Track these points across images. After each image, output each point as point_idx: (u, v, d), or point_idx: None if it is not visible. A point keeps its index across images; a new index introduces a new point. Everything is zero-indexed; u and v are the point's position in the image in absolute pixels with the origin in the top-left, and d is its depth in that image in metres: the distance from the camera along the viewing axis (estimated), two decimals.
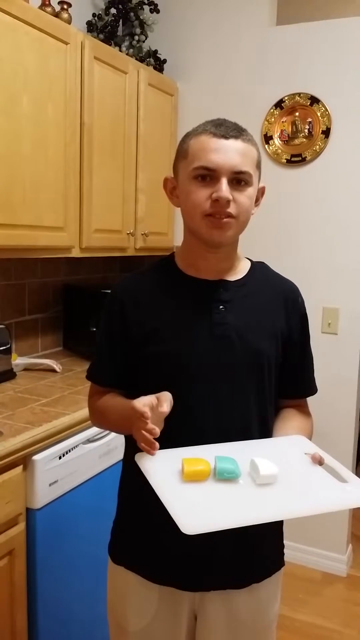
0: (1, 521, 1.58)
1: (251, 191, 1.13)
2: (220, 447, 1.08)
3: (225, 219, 1.11)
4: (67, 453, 1.79)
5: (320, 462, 1.08)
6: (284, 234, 2.80)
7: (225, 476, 1.00)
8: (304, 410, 1.34)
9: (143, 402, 1.01)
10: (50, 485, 1.72)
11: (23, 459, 1.65)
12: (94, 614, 1.88)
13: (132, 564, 1.23)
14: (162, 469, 1.02)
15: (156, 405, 1.01)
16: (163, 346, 1.16)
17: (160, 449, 1.05)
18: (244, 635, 1.24)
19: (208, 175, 1.10)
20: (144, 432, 1.00)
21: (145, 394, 1.15)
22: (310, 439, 1.23)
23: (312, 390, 1.35)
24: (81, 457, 1.86)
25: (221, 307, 1.18)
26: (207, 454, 1.03)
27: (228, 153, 1.09)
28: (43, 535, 1.71)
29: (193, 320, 1.17)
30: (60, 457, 1.76)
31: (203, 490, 0.98)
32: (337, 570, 2.79)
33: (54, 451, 1.74)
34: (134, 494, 1.22)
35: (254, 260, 1.31)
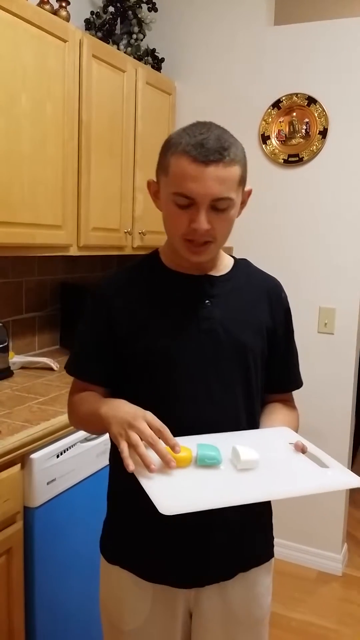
0: None
1: (232, 213, 1.12)
2: (204, 438, 1.10)
3: (203, 245, 1.12)
4: (64, 452, 1.79)
5: (303, 450, 1.10)
6: (281, 233, 2.80)
7: (207, 462, 1.02)
8: (290, 405, 1.35)
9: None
10: (48, 483, 1.72)
11: (21, 458, 1.65)
12: (91, 612, 1.88)
13: (125, 562, 1.23)
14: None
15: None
16: (150, 341, 1.16)
17: None
18: (238, 629, 1.25)
19: (187, 202, 1.08)
20: (160, 449, 0.99)
21: (133, 390, 1.16)
22: (296, 432, 1.25)
23: (297, 384, 1.36)
24: (79, 455, 1.85)
25: (207, 301, 1.18)
26: (191, 442, 1.05)
27: (207, 182, 1.05)
28: (41, 534, 1.71)
29: (180, 315, 1.18)
30: (58, 456, 1.76)
31: (183, 475, 1.00)
32: (332, 569, 2.80)
33: (51, 450, 1.74)
34: (123, 492, 1.22)
35: (237, 257, 1.31)
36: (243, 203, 1.19)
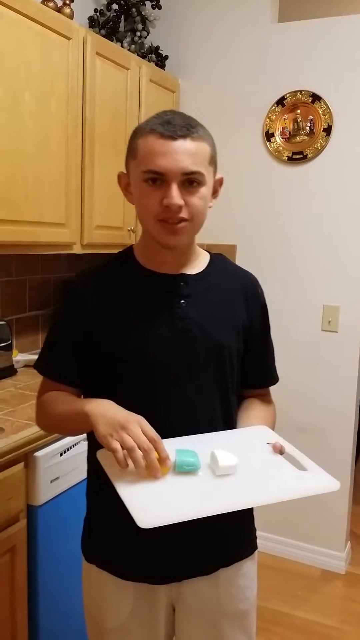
0: (2, 518, 1.58)
1: (204, 191, 1.10)
2: (183, 440, 1.09)
3: (179, 224, 1.09)
4: (68, 450, 1.79)
5: (281, 451, 1.10)
6: (285, 231, 2.80)
7: (185, 469, 1.01)
8: (266, 399, 1.34)
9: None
10: (51, 482, 1.72)
11: (24, 456, 1.65)
12: None
13: (104, 562, 1.23)
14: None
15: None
16: (124, 342, 1.15)
17: None
18: (224, 622, 1.24)
19: (158, 179, 1.07)
20: (151, 459, 0.98)
21: (107, 390, 1.14)
22: (273, 426, 1.25)
23: (273, 379, 1.35)
24: (82, 454, 1.84)
25: (182, 301, 1.17)
26: (170, 447, 1.03)
27: (176, 155, 1.05)
28: (44, 532, 1.72)
29: (154, 316, 1.16)
30: (61, 454, 1.76)
31: (162, 483, 0.99)
32: (335, 567, 2.80)
33: (55, 448, 1.74)
34: (101, 492, 1.18)
35: (212, 252, 1.29)
36: (215, 192, 1.18)
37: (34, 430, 1.67)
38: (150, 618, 1.22)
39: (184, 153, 1.05)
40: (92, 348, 1.17)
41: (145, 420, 1.02)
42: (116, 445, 0.98)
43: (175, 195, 1.06)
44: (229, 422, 1.22)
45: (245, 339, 1.24)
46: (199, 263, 1.23)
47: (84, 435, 1.85)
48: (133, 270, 1.21)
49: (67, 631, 1.86)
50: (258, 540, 1.33)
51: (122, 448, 0.98)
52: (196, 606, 1.22)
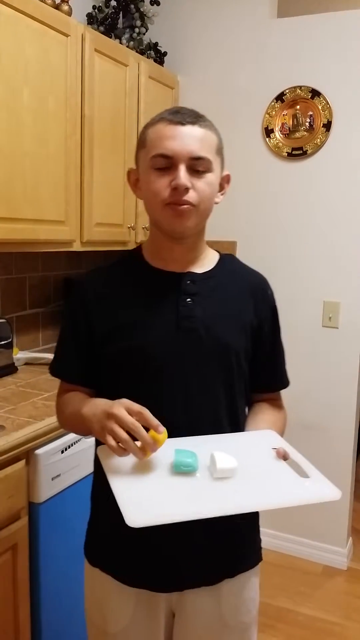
0: (4, 515, 1.58)
1: (211, 177, 1.11)
2: (185, 441, 1.07)
3: (185, 206, 1.08)
4: (69, 447, 1.79)
5: (284, 457, 1.06)
6: (285, 227, 2.79)
7: (182, 469, 0.99)
8: (277, 404, 1.32)
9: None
10: (52, 479, 1.72)
11: (25, 453, 1.65)
12: None
13: (106, 566, 1.22)
14: (122, 463, 1.00)
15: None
16: (129, 340, 1.14)
17: None
18: (225, 634, 1.22)
19: (166, 164, 1.08)
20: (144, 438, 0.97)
21: (113, 389, 1.13)
22: (282, 432, 1.22)
23: (284, 383, 1.33)
24: (83, 451, 1.86)
25: (188, 300, 1.15)
26: (170, 446, 1.02)
27: (184, 139, 1.07)
28: (46, 530, 1.72)
29: (159, 314, 1.15)
30: (62, 451, 1.76)
31: (157, 483, 0.97)
32: (337, 563, 2.80)
33: (56, 445, 1.74)
34: (103, 495, 1.16)
35: (222, 253, 1.29)
36: (222, 188, 1.18)
37: (35, 427, 1.67)
38: (150, 624, 1.20)
39: (191, 137, 1.07)
40: (97, 346, 1.17)
41: (126, 399, 1.01)
42: (109, 439, 0.98)
43: (183, 176, 1.06)
44: (235, 425, 1.19)
45: (253, 341, 1.21)
46: (207, 262, 1.22)
47: (71, 432, 1.85)
48: (139, 268, 1.21)
49: (69, 628, 1.87)
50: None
51: (117, 440, 0.97)
52: (196, 617, 1.20)
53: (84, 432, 1.14)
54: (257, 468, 1.03)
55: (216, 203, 1.16)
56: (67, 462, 1.78)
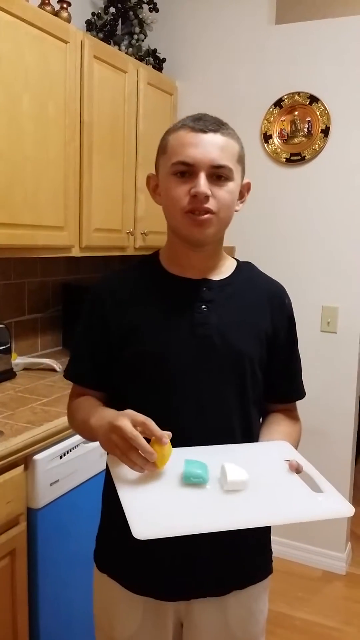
0: (2, 521, 1.58)
1: (232, 186, 1.10)
2: (196, 451, 1.05)
3: (205, 216, 1.08)
4: (68, 452, 1.79)
5: (297, 470, 1.04)
6: (284, 232, 2.80)
7: (192, 480, 0.97)
8: (292, 415, 1.30)
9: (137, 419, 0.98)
10: (51, 485, 1.72)
11: (24, 459, 1.65)
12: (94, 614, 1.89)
13: (115, 572, 1.21)
14: (131, 472, 0.99)
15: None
16: (143, 346, 1.14)
17: None
18: None
19: (187, 171, 1.07)
20: (141, 454, 0.96)
21: (126, 395, 1.14)
22: (297, 444, 1.21)
23: (300, 394, 1.32)
24: (82, 456, 1.86)
25: (203, 306, 1.15)
26: (180, 456, 1.00)
27: (206, 147, 1.06)
28: (44, 535, 1.72)
29: (174, 320, 1.14)
30: (61, 457, 1.76)
31: (166, 494, 0.96)
32: (336, 568, 2.80)
33: (54, 451, 1.74)
34: (115, 502, 1.16)
35: (240, 260, 1.28)
36: (242, 196, 1.18)
37: (34, 433, 1.67)
38: (158, 634, 1.20)
39: (213, 145, 1.07)
40: (110, 351, 1.17)
41: (131, 410, 1.00)
42: (116, 452, 0.98)
43: (203, 184, 1.06)
44: (248, 434, 1.18)
45: (269, 350, 1.20)
46: (225, 269, 1.22)
47: (82, 438, 1.86)
48: (155, 274, 1.20)
49: (67, 634, 1.86)
50: None
51: (122, 452, 0.97)
52: (204, 628, 1.19)
53: (93, 440, 1.14)
54: (268, 481, 1.01)
55: (236, 211, 1.15)
56: (65, 467, 1.78)
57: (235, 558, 1.17)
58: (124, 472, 1.00)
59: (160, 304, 1.17)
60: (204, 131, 1.07)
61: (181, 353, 1.13)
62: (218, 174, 1.08)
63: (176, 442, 1.02)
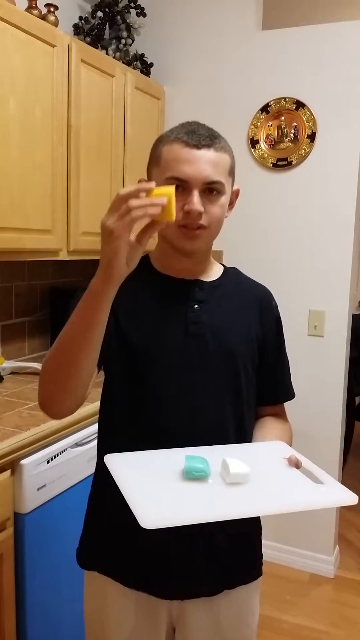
0: None
1: (223, 200, 1.13)
2: (193, 450, 1.06)
3: (197, 230, 1.11)
4: (55, 457, 1.79)
5: (297, 465, 1.06)
6: (270, 237, 2.82)
7: (194, 475, 0.98)
8: (282, 418, 1.32)
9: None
10: (38, 489, 1.72)
11: (11, 463, 1.64)
12: (82, 619, 1.87)
13: (105, 566, 1.21)
14: (130, 469, 1.00)
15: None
16: (134, 343, 1.15)
17: (131, 449, 1.04)
18: None
19: (180, 186, 1.08)
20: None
21: (117, 388, 1.14)
22: (290, 445, 1.21)
23: (289, 395, 1.34)
24: (69, 460, 1.85)
25: (196, 305, 1.17)
26: (180, 454, 1.01)
27: (200, 164, 1.08)
28: (31, 540, 1.71)
29: (167, 318, 1.16)
30: (48, 461, 1.76)
31: (168, 487, 0.96)
32: (324, 571, 2.81)
33: (42, 455, 1.73)
34: (107, 497, 1.16)
35: (227, 265, 1.30)
36: (231, 203, 1.19)
37: (20, 437, 1.67)
38: (151, 635, 1.20)
39: (207, 162, 1.08)
40: (103, 348, 1.14)
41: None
42: (126, 219, 0.94)
43: (197, 201, 1.08)
44: (241, 434, 1.19)
45: (259, 351, 1.23)
46: (213, 273, 1.25)
47: (72, 442, 1.86)
48: (148, 274, 1.21)
49: (55, 639, 1.85)
50: None
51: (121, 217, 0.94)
52: (196, 631, 1.20)
53: (90, 315, 1.02)
54: (269, 474, 1.02)
55: (225, 217, 1.17)
56: (52, 472, 1.77)
57: (227, 556, 1.18)
58: (126, 471, 0.99)
59: (154, 303, 1.18)
60: (197, 147, 1.08)
61: (173, 351, 1.14)
62: (211, 189, 1.10)
63: (167, 440, 1.03)
